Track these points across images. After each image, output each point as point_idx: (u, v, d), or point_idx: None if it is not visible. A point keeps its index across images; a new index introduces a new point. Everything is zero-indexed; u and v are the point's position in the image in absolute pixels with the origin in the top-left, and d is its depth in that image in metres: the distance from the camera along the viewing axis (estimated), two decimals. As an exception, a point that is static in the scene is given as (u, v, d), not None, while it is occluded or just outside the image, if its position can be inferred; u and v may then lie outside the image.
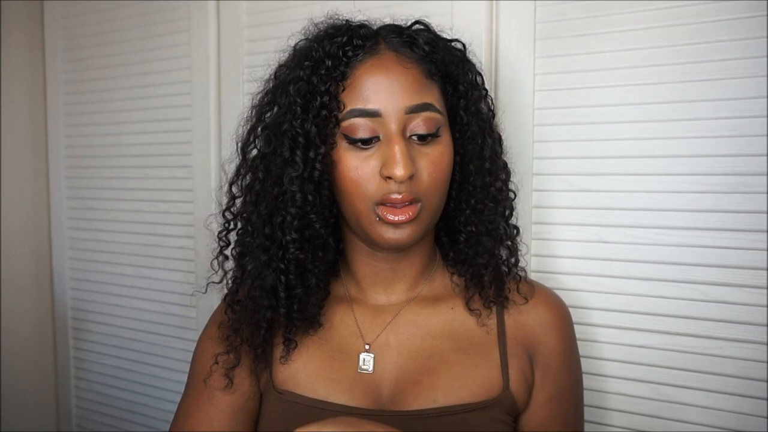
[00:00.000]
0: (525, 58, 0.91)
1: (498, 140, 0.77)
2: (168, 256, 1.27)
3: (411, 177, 0.65)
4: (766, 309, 0.79)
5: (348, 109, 0.66)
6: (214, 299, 1.20)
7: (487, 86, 0.76)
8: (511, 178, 0.78)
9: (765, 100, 0.78)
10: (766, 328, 0.79)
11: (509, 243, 0.77)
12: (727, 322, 0.82)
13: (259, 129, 0.74)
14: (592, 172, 0.88)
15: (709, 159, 0.81)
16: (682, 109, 0.82)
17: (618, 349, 0.89)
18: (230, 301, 0.77)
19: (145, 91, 1.27)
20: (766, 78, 0.77)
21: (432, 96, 0.68)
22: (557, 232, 0.91)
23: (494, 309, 0.75)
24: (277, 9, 1.11)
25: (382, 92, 0.66)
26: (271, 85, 0.75)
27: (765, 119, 0.78)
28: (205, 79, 1.18)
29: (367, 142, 0.66)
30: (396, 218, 0.66)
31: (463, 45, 0.75)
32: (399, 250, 0.73)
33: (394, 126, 0.66)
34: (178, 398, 1.33)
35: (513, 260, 0.78)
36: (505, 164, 0.78)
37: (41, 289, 1.45)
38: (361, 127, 0.66)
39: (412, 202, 0.66)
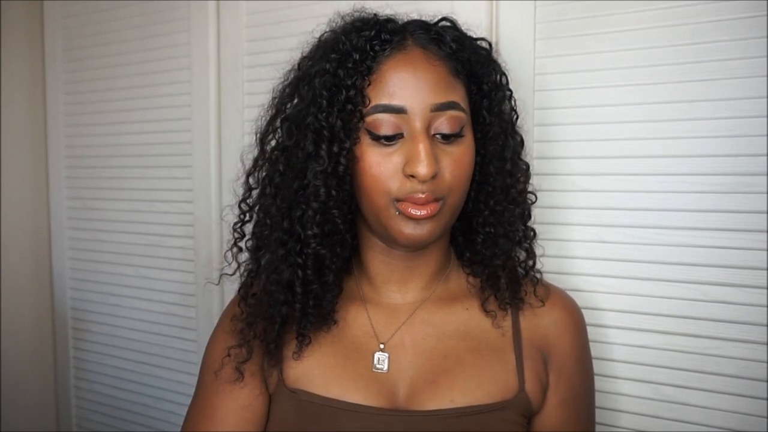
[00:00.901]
0: (525, 58, 0.90)
1: (520, 142, 0.76)
2: (168, 256, 1.27)
3: (434, 176, 0.65)
4: (766, 309, 0.79)
5: (373, 104, 0.66)
6: (214, 300, 1.20)
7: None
8: (531, 181, 0.78)
9: (765, 100, 0.78)
10: (766, 328, 0.79)
11: (527, 245, 0.77)
12: (727, 322, 0.82)
13: (279, 121, 0.73)
14: (592, 172, 0.88)
15: (709, 159, 0.81)
16: (682, 109, 0.82)
17: (618, 349, 0.89)
18: (244, 294, 0.76)
19: (144, 91, 1.27)
20: (766, 78, 0.77)
21: (457, 94, 0.68)
22: (557, 232, 0.91)
23: (509, 311, 0.75)
24: (277, 9, 1.11)
25: (408, 89, 0.65)
26: (292, 76, 0.73)
27: (765, 119, 0.78)
28: (205, 79, 1.18)
29: (390, 139, 0.66)
30: (418, 213, 0.65)
31: (489, 44, 0.74)
32: (417, 247, 0.72)
33: (418, 123, 0.65)
34: (178, 398, 1.33)
35: (530, 263, 0.77)
36: (528, 166, 0.77)
37: (41, 289, 1.45)
38: (385, 123, 0.65)
39: (435, 200, 0.66)
